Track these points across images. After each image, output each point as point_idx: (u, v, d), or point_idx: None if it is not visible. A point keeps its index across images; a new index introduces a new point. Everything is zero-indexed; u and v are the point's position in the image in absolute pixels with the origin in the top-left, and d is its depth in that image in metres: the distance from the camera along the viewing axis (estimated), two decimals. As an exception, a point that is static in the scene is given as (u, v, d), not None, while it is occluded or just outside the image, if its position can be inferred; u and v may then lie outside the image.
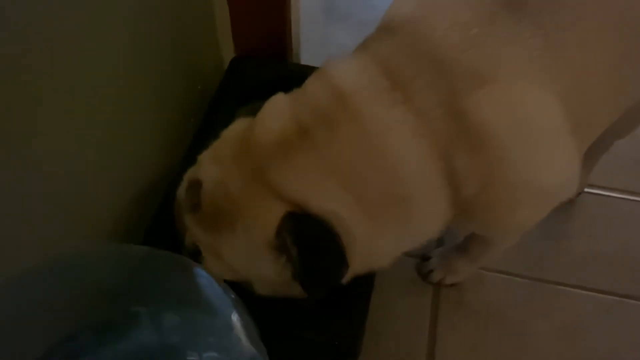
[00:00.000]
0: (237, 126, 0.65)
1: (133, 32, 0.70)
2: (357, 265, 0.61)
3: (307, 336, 0.67)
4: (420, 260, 1.01)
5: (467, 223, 0.72)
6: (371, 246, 0.61)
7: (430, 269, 0.98)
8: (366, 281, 0.74)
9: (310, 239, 0.57)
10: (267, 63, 0.93)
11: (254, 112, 0.63)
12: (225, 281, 0.56)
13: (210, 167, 0.63)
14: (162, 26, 0.78)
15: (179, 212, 0.67)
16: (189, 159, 0.78)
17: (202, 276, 0.53)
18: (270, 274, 0.61)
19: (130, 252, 0.55)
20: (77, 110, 0.61)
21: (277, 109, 0.62)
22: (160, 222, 0.74)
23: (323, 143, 0.57)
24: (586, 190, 1.10)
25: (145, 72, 0.76)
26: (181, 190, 0.66)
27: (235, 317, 0.51)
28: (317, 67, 0.88)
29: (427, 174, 0.58)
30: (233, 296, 0.52)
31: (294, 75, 0.88)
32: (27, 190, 0.55)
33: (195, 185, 0.63)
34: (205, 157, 0.65)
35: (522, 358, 0.92)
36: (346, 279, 0.62)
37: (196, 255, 0.63)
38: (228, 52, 0.98)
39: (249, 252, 0.60)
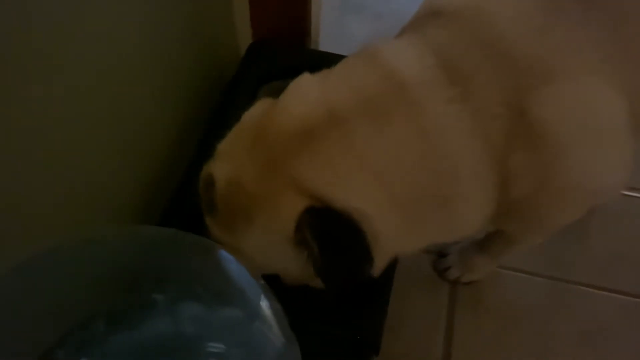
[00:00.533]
0: (257, 108, 0.59)
1: (148, 15, 0.68)
2: (383, 260, 0.58)
3: (329, 330, 0.64)
4: (438, 257, 0.98)
5: (506, 222, 0.68)
6: (402, 243, 0.58)
7: (448, 265, 0.95)
8: (386, 275, 0.70)
9: (331, 235, 0.53)
10: (287, 49, 0.90)
11: (278, 92, 0.58)
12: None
13: (222, 163, 0.57)
14: (178, 10, 0.75)
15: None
16: (204, 145, 0.76)
17: (229, 261, 0.50)
18: (293, 268, 0.57)
19: (151, 233, 0.51)
20: (93, 96, 0.59)
21: (303, 92, 0.56)
22: (175, 209, 0.71)
23: (362, 135, 0.52)
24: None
25: (160, 57, 0.74)
26: (200, 190, 0.61)
27: (264, 304, 0.48)
28: (339, 55, 0.87)
29: (478, 176, 0.55)
30: (262, 282, 0.49)
31: (314, 62, 0.86)
32: (45, 180, 0.54)
33: (209, 182, 0.58)
34: (221, 147, 0.59)
35: (542, 360, 0.89)
36: (371, 274, 0.59)
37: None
38: (245, 38, 0.95)
39: (270, 248, 0.56)
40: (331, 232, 0.52)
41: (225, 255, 0.49)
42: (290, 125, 0.53)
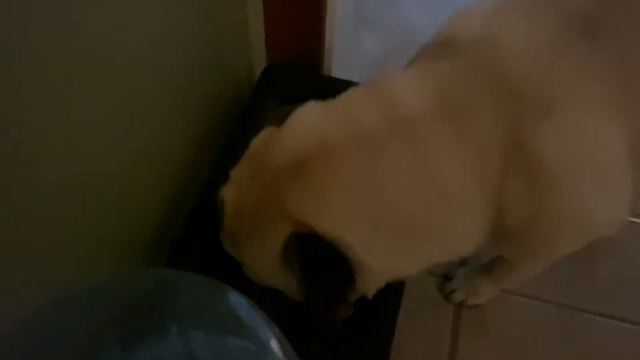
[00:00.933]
0: (263, 137, 0.63)
1: (165, 36, 0.69)
2: (373, 285, 0.60)
3: (337, 357, 0.66)
4: (443, 280, 0.99)
5: (501, 248, 0.71)
6: (392, 269, 0.59)
7: (453, 288, 0.97)
8: (393, 303, 0.72)
9: (312, 258, 0.56)
10: (300, 73, 0.91)
11: (282, 120, 0.60)
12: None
13: (231, 188, 0.62)
14: (195, 32, 0.77)
15: None
16: (219, 168, 0.78)
17: (238, 301, 0.51)
18: (287, 285, 0.61)
19: (166, 274, 0.53)
20: (108, 119, 0.61)
21: (300, 123, 0.58)
22: (190, 231, 0.74)
23: (351, 167, 0.54)
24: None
25: (176, 77, 0.75)
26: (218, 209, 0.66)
27: (275, 343, 0.49)
28: (351, 81, 0.88)
29: (471, 206, 0.56)
30: (271, 323, 0.51)
31: (326, 88, 0.87)
32: (57, 212, 0.55)
33: (221, 204, 0.63)
34: (232, 174, 0.63)
35: (544, 386, 0.90)
36: (370, 292, 0.61)
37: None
38: (260, 60, 0.97)
39: (266, 265, 0.60)
40: (312, 255, 0.55)
41: (236, 296, 0.51)
42: (283, 157, 0.56)
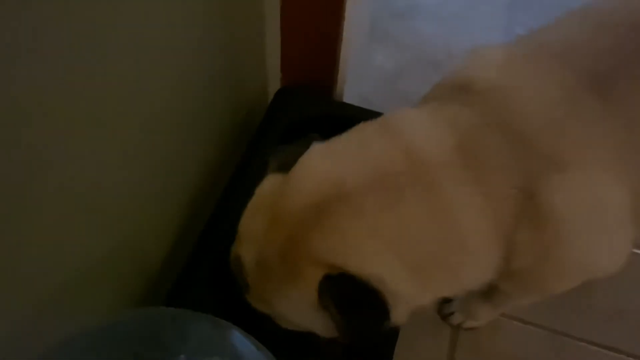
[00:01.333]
0: (268, 185, 0.62)
1: (182, 53, 0.70)
2: (403, 316, 0.61)
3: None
4: (442, 301, 1.01)
5: (505, 284, 0.72)
6: (416, 300, 0.61)
7: (452, 311, 1.00)
8: (392, 332, 0.75)
9: (347, 298, 0.57)
10: (313, 97, 0.93)
11: (285, 165, 0.61)
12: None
13: (248, 245, 0.61)
14: (213, 50, 0.78)
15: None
16: (228, 194, 0.80)
17: (241, 339, 0.55)
18: (323, 328, 0.61)
19: (171, 313, 0.57)
20: (119, 138, 0.61)
21: (312, 167, 0.59)
22: (193, 267, 0.76)
23: (372, 209, 0.56)
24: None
25: (194, 97, 0.77)
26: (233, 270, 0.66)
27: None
28: (363, 109, 0.90)
29: (485, 249, 0.58)
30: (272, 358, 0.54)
31: (339, 113, 0.90)
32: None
33: (239, 264, 0.62)
34: (241, 231, 0.63)
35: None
36: (401, 322, 0.61)
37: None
38: (274, 81, 0.99)
39: (300, 314, 0.61)
40: (347, 295, 0.56)
41: (240, 334, 0.54)
42: (301, 203, 0.56)
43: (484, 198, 0.56)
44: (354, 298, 0.57)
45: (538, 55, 0.63)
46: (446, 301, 1.01)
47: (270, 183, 0.62)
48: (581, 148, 0.57)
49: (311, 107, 0.89)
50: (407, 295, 0.58)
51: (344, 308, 0.57)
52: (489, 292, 0.93)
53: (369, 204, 0.56)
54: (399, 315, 0.60)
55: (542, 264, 0.61)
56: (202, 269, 0.75)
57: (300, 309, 0.59)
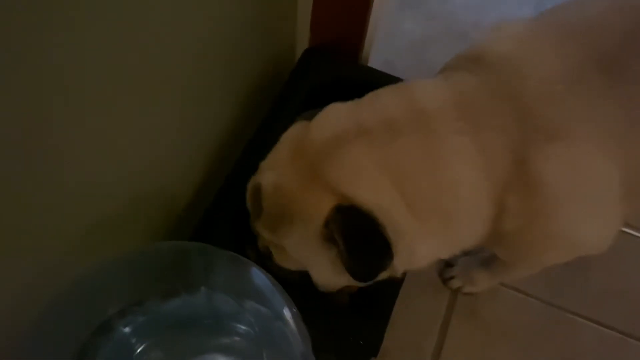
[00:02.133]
0: (294, 130, 0.69)
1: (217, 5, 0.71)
2: (400, 261, 0.65)
3: (335, 331, 0.74)
4: (444, 265, 1.06)
5: (497, 248, 0.78)
6: (414, 245, 0.65)
7: (452, 275, 1.05)
8: (393, 289, 0.80)
9: (355, 230, 0.61)
10: (339, 61, 0.95)
11: (312, 118, 0.67)
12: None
13: (268, 172, 0.67)
14: (246, 5, 0.80)
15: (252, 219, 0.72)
16: (252, 146, 0.84)
17: (258, 274, 0.60)
18: (325, 263, 0.66)
19: (199, 246, 0.63)
20: (151, 86, 0.63)
21: (336, 112, 0.66)
22: (219, 207, 0.81)
23: (383, 142, 0.61)
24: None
25: (224, 48, 0.79)
26: (248, 199, 0.71)
27: (287, 312, 0.57)
28: (388, 75, 0.93)
29: (476, 202, 0.62)
30: (285, 294, 0.59)
31: (363, 77, 0.92)
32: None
33: (257, 191, 0.68)
34: (264, 163, 0.69)
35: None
36: (385, 275, 0.67)
37: (267, 257, 0.70)
38: (303, 40, 1.01)
39: (306, 243, 0.65)
40: (355, 227, 0.61)
41: (257, 269, 0.59)
42: (322, 136, 0.63)
43: (478, 151, 0.60)
44: (359, 231, 0.61)
45: (553, 31, 0.66)
46: (448, 265, 1.06)
47: (295, 129, 0.69)
48: (578, 122, 0.60)
49: (337, 70, 0.92)
50: (406, 232, 0.62)
51: (350, 239, 0.61)
52: (488, 261, 0.98)
53: (379, 141, 0.61)
54: (399, 256, 0.63)
55: (529, 231, 0.64)
56: (226, 211, 0.79)
57: (304, 238, 0.64)
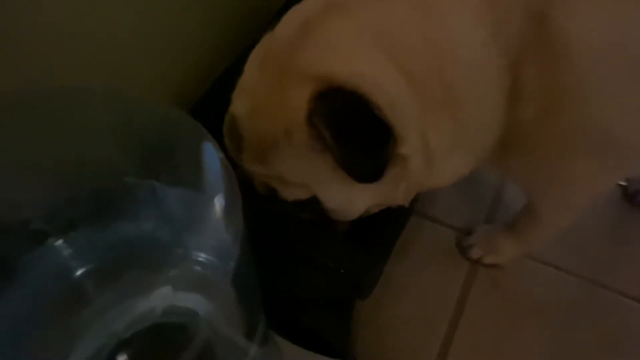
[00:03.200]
0: (259, 45, 0.58)
1: None
2: (411, 147, 0.52)
3: (323, 261, 0.64)
4: (463, 234, 0.95)
5: (511, 162, 0.62)
6: (425, 128, 0.52)
7: (471, 243, 0.92)
8: (399, 221, 0.70)
9: (340, 114, 0.49)
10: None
11: None
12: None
13: (238, 100, 0.58)
14: None
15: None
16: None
17: (209, 152, 0.46)
18: (327, 174, 0.55)
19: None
20: None
21: (301, 4, 0.55)
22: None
23: (358, 7, 0.51)
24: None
25: None
26: (226, 137, 0.60)
27: (219, 201, 0.45)
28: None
29: (483, 63, 0.50)
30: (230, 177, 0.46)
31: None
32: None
33: (233, 125, 0.58)
34: (234, 93, 0.59)
35: None
36: (404, 198, 0.57)
37: (273, 195, 0.61)
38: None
39: (300, 158, 0.55)
40: (339, 110, 0.49)
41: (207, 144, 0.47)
42: (289, 29, 0.53)
43: (485, 3, 0.48)
44: (347, 113, 0.49)
45: None
46: (467, 234, 0.94)
47: (260, 44, 0.58)
48: None
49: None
50: (407, 105, 0.50)
51: (336, 128, 0.49)
52: (511, 225, 0.86)
53: (354, 5, 0.51)
54: (408, 142, 0.51)
55: (549, 121, 0.50)
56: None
57: (297, 152, 0.53)
